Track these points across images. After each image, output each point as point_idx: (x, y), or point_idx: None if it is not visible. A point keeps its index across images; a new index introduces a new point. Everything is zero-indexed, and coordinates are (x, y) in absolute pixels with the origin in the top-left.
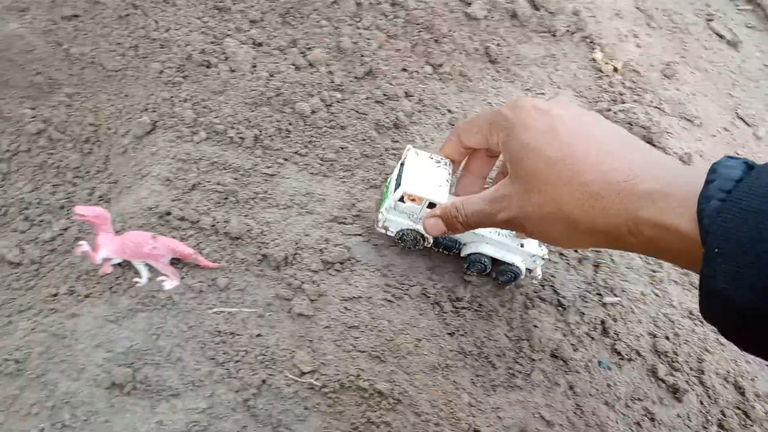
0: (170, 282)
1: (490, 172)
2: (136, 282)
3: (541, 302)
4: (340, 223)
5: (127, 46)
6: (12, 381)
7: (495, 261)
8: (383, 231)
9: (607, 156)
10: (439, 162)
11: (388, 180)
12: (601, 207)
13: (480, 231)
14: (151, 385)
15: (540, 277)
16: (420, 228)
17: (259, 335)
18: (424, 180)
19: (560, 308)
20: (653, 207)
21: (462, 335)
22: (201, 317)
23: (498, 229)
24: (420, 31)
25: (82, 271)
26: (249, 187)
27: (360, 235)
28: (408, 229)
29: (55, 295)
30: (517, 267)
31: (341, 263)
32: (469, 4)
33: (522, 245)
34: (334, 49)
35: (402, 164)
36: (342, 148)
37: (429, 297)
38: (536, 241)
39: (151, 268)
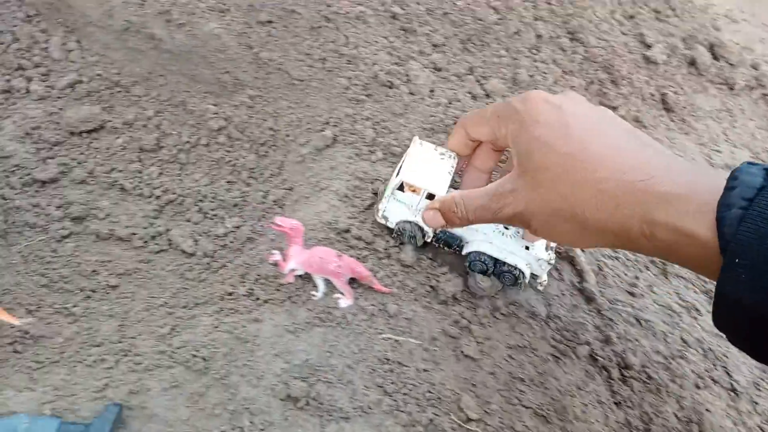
0: (345, 301)
1: (495, 166)
2: (313, 295)
3: (713, 383)
4: None
5: (315, 57)
6: (199, 378)
7: (497, 262)
8: (383, 222)
9: (622, 154)
10: (443, 154)
11: (395, 171)
12: (614, 206)
13: (482, 229)
14: (323, 404)
15: (545, 283)
16: (419, 220)
17: (425, 370)
18: (425, 170)
19: (732, 393)
20: (670, 210)
21: (629, 407)
22: (371, 341)
23: (503, 229)
24: (597, 70)
25: (261, 275)
26: None
27: (529, 282)
28: (407, 222)
29: (231, 293)
30: (518, 270)
31: (507, 307)
32: (649, 46)
33: (527, 248)
34: (510, 80)
35: (406, 154)
36: None
37: (597, 360)
38: (543, 245)
39: (328, 283)
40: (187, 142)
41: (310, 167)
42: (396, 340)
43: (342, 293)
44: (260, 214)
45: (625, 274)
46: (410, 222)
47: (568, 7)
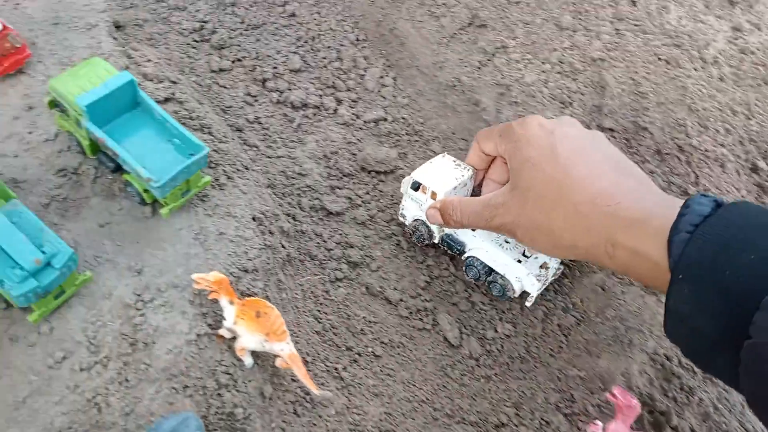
0: None
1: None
2: None
3: None
4: None
5: None
6: None
7: (491, 271)
8: (402, 220)
9: (597, 179)
10: (458, 166)
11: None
12: (585, 226)
13: (482, 237)
14: None
15: (531, 303)
16: (427, 220)
17: None
18: (435, 174)
19: None
20: (630, 233)
21: None
22: None
23: (502, 242)
24: None
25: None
26: None
27: None
28: (419, 221)
29: (499, 425)
30: (506, 281)
31: None
32: None
33: (520, 261)
34: None
35: (428, 162)
36: None
37: None
38: (539, 263)
39: None
40: None
41: None
42: None
43: None
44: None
45: None
46: (422, 221)
47: None
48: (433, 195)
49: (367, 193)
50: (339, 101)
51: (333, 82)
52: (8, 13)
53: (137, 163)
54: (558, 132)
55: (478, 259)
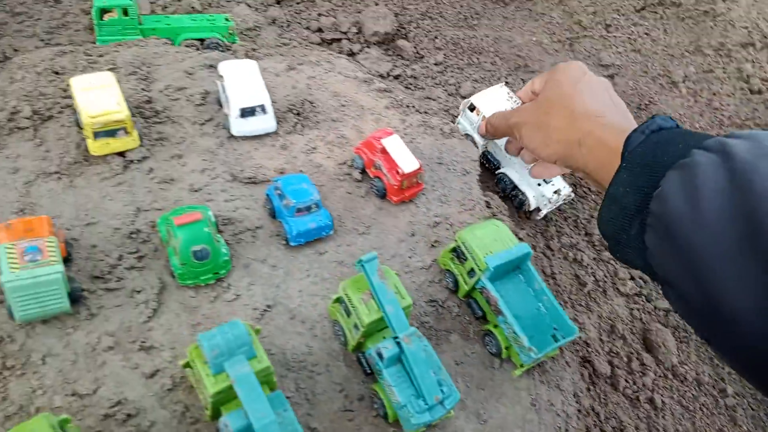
0: None
1: None
2: None
3: None
4: None
5: None
6: None
7: (515, 188)
8: (458, 126)
9: (596, 102)
10: (511, 98)
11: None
12: (574, 125)
13: (515, 160)
14: None
15: (540, 217)
16: (475, 135)
17: None
18: (489, 101)
19: None
20: (603, 130)
21: None
22: None
23: (530, 167)
24: None
25: None
26: None
27: None
28: (467, 135)
29: None
30: (525, 196)
31: None
32: None
33: (540, 184)
34: None
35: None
36: None
37: None
38: (553, 188)
39: None
40: None
41: None
42: None
43: None
44: None
45: None
46: (470, 136)
47: None
48: (484, 119)
49: None
50: None
51: None
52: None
53: (522, 331)
54: (588, 75)
55: (507, 176)
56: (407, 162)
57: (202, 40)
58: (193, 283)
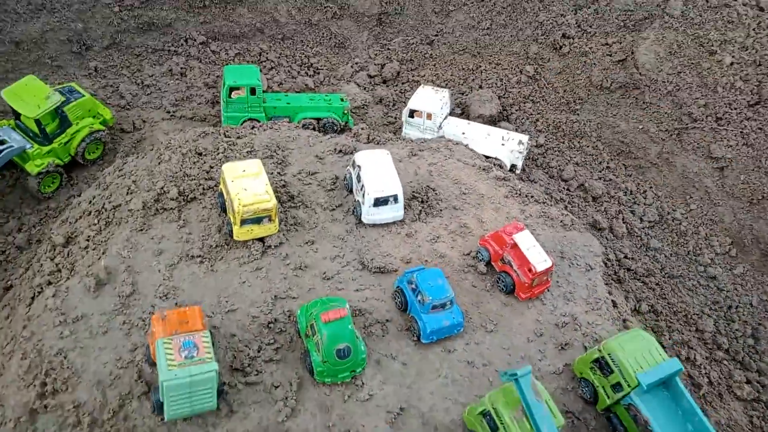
0: None
1: None
2: None
3: None
4: None
5: None
6: None
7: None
8: (407, 137)
9: None
10: (437, 91)
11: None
12: None
13: (471, 136)
14: None
15: (519, 171)
16: (426, 137)
17: None
18: (422, 102)
19: None
20: None
21: None
22: None
23: (486, 135)
24: None
25: None
26: None
27: None
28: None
29: None
30: (500, 160)
31: None
32: None
33: (503, 144)
34: None
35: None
36: None
37: None
38: (516, 141)
39: None
40: None
41: None
42: None
43: None
44: None
45: None
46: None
47: None
48: (428, 116)
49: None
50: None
51: None
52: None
53: None
54: None
55: (473, 150)
56: (540, 260)
57: (318, 119)
58: (331, 381)
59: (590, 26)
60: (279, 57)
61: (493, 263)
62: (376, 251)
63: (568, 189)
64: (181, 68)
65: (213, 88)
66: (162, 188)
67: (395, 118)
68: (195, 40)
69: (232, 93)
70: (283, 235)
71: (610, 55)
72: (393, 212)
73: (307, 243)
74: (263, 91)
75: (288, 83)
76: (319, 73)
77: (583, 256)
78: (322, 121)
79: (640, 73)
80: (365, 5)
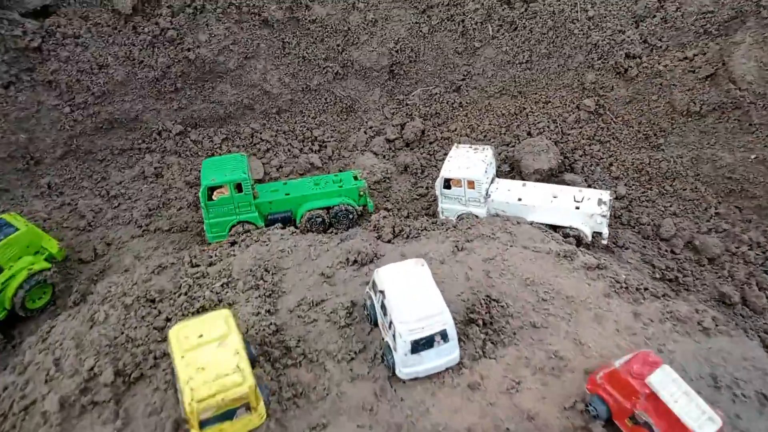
0: None
1: None
2: None
3: None
4: None
5: None
6: None
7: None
8: (444, 219)
9: None
10: (477, 150)
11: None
12: None
13: (534, 202)
14: None
15: (607, 236)
16: (471, 209)
17: None
18: (459, 167)
19: None
20: None
21: None
22: None
23: (551, 198)
24: None
25: None
26: None
27: None
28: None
29: None
30: (576, 230)
31: None
32: None
33: (578, 207)
34: None
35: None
36: None
37: None
38: (594, 202)
39: None
40: None
41: None
42: None
43: None
44: None
45: None
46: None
47: None
48: (470, 184)
49: None
50: None
51: None
52: None
53: None
54: None
55: (540, 224)
56: (702, 419)
57: (328, 209)
58: None
59: (660, 39)
60: (275, 135)
61: (616, 421)
62: (425, 423)
63: (672, 251)
64: (156, 168)
65: (195, 186)
66: (91, 370)
67: (427, 188)
68: (170, 132)
69: (214, 194)
70: (276, 422)
71: (693, 71)
72: (443, 357)
73: (315, 428)
74: (254, 183)
75: (289, 165)
76: (326, 147)
77: (747, 379)
78: (333, 209)
79: (739, 89)
80: (372, 58)
